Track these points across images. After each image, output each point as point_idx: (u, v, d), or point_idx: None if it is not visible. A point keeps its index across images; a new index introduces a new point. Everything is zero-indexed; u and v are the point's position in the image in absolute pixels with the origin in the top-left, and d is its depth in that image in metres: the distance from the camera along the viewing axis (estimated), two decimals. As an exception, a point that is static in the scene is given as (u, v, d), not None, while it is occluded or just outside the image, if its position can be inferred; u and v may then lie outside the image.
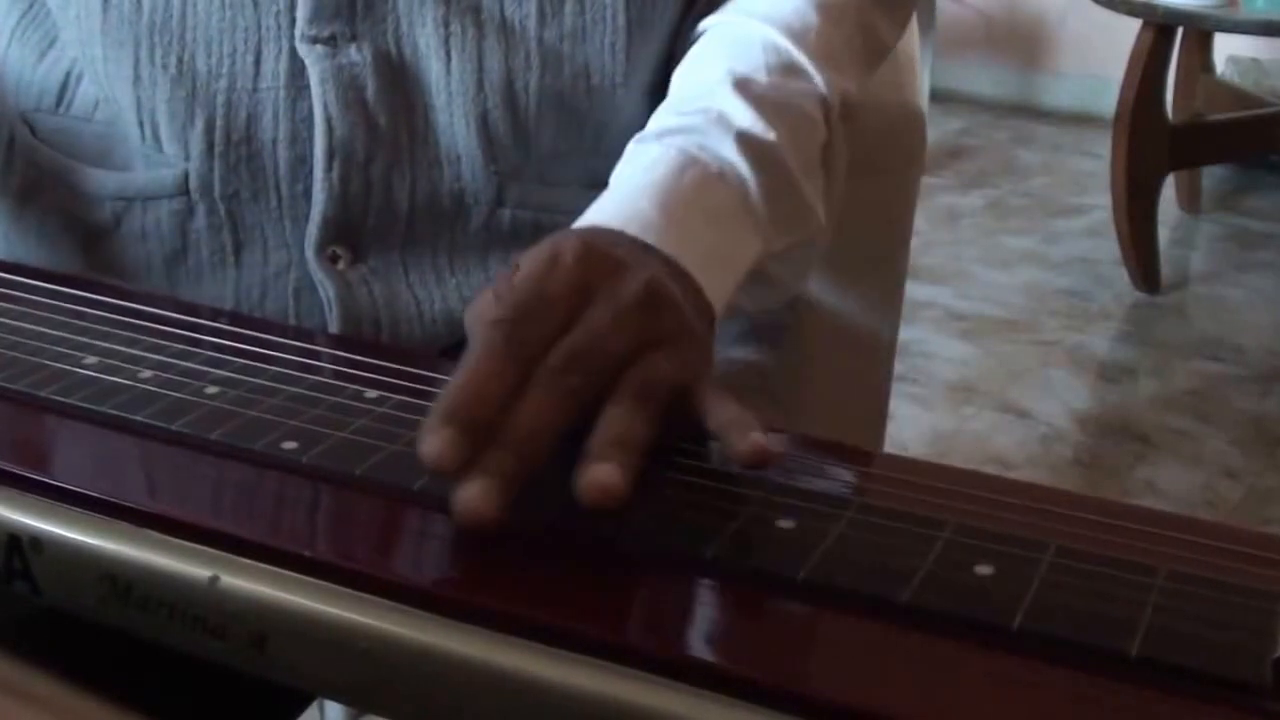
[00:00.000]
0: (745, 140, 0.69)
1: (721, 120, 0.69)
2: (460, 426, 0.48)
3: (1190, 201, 3.24)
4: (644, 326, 0.54)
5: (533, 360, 0.51)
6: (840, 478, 0.54)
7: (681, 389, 0.53)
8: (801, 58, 0.73)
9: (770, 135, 0.69)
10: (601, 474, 0.48)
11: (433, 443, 0.48)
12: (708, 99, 0.71)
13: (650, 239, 0.61)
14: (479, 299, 0.56)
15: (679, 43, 0.80)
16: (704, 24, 0.77)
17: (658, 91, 0.81)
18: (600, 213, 0.64)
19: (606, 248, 0.58)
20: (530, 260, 0.56)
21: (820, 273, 0.93)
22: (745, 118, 0.69)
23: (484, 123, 0.74)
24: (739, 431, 0.51)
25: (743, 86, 0.71)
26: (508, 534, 0.48)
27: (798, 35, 0.73)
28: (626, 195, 0.65)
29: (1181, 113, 3.07)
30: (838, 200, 0.77)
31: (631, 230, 0.61)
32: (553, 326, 0.53)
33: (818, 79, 0.73)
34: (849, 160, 0.78)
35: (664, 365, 0.53)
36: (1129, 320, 2.73)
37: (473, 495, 0.47)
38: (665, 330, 0.55)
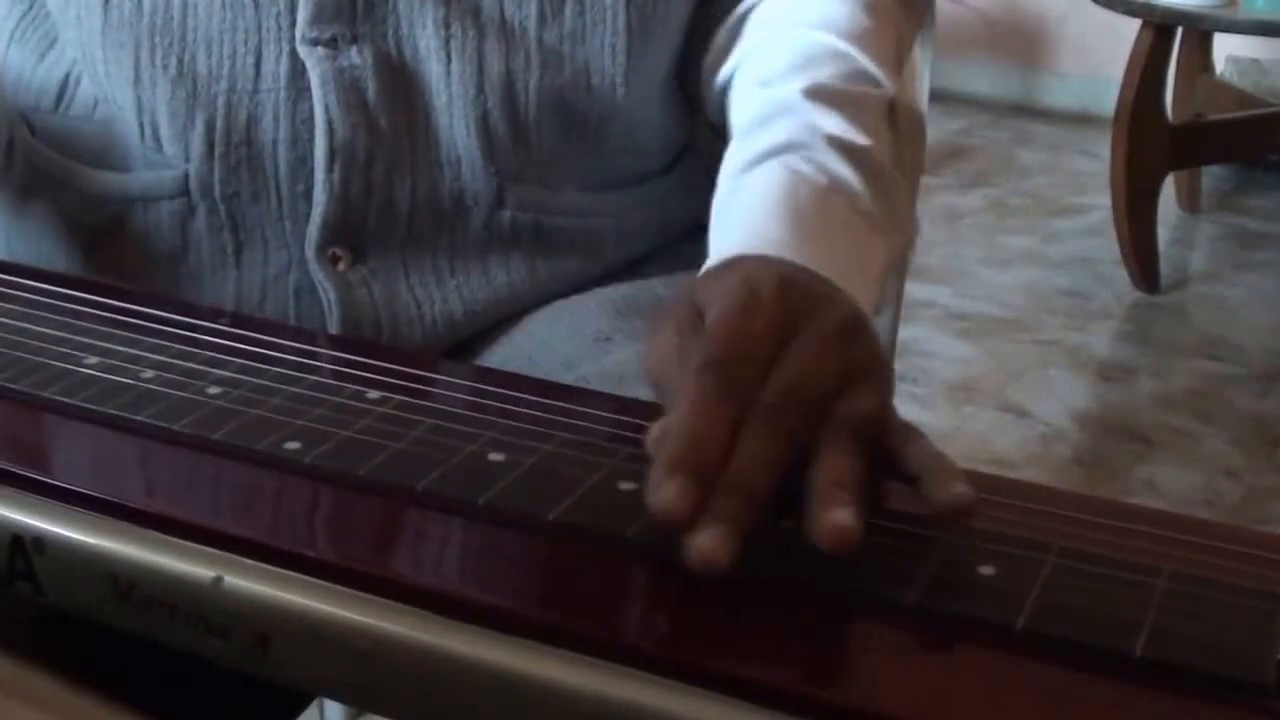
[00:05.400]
0: (845, 149, 0.68)
1: (815, 132, 0.68)
2: (691, 475, 0.47)
3: (1190, 201, 3.24)
4: (847, 359, 0.52)
5: (747, 402, 0.50)
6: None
7: (882, 422, 0.52)
8: (867, 62, 0.72)
9: (864, 140, 0.69)
10: (838, 518, 0.46)
11: (665, 494, 0.47)
12: (793, 112, 0.70)
13: (795, 259, 0.59)
14: (659, 340, 0.55)
15: (696, 44, 0.79)
16: (752, 36, 0.76)
17: (668, 93, 0.81)
18: (730, 241, 0.62)
19: (804, 282, 0.56)
20: (726, 297, 0.54)
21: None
22: (837, 126, 0.69)
23: (484, 124, 0.74)
24: (942, 480, 0.49)
25: (825, 96, 0.70)
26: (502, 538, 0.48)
27: (857, 39, 0.73)
28: (751, 221, 0.63)
29: (1181, 113, 3.07)
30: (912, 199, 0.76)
31: (773, 254, 0.59)
32: (762, 365, 0.51)
33: (885, 82, 0.73)
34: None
35: (870, 399, 0.51)
36: (1129, 320, 2.73)
37: (708, 543, 0.46)
38: (864, 361, 0.53)
